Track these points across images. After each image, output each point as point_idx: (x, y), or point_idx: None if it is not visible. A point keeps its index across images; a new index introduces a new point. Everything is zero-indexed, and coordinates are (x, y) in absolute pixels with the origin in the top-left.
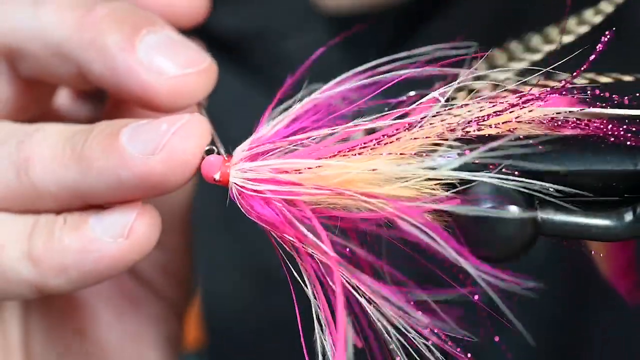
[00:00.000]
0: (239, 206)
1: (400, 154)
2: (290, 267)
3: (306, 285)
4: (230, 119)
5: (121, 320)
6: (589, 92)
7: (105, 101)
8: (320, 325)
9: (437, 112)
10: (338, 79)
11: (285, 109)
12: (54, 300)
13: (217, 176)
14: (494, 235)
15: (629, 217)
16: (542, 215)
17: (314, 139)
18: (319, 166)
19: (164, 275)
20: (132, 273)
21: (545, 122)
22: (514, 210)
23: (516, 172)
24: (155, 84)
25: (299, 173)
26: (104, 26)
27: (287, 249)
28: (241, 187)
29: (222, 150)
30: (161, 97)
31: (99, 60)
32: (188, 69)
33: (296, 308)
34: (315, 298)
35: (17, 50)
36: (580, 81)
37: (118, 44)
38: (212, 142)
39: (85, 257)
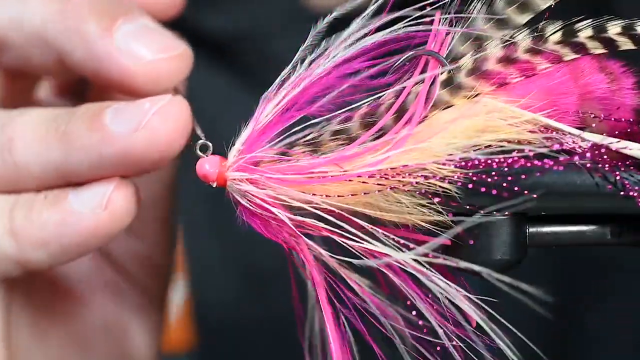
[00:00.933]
0: (237, 213)
1: (393, 188)
2: (287, 265)
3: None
4: (220, 118)
5: (103, 310)
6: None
7: (84, 96)
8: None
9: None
10: (326, 51)
11: (278, 90)
12: (36, 290)
13: (214, 185)
14: (485, 257)
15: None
16: (532, 229)
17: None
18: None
19: (143, 266)
20: (112, 263)
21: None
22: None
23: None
24: (132, 68)
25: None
26: (83, 14)
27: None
28: (239, 201)
29: (202, 137)
30: (138, 81)
31: (79, 46)
32: (162, 54)
33: (295, 307)
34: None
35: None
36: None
37: (97, 31)
38: (196, 135)
39: (64, 230)
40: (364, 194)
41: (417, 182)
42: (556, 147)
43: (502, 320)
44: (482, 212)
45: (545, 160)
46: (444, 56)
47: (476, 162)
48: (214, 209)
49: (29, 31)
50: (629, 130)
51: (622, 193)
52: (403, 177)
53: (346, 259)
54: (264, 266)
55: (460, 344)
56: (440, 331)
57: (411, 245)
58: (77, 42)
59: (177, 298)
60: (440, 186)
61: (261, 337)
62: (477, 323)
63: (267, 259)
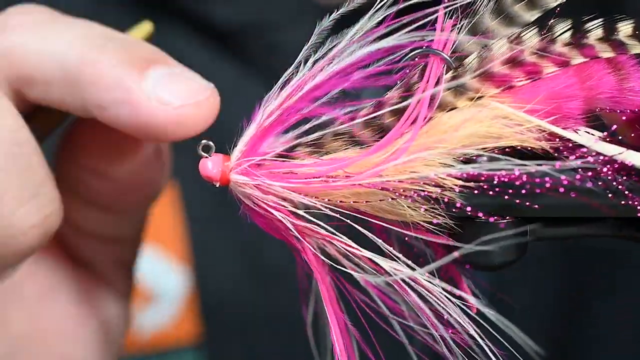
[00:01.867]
0: (241, 209)
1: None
2: (292, 256)
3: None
4: (225, 108)
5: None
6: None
7: None
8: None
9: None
10: (328, 49)
11: (281, 90)
12: None
13: (217, 184)
14: (485, 260)
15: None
16: (531, 227)
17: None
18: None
19: (115, 268)
20: (85, 265)
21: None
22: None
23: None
24: (161, 114)
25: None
26: (116, 61)
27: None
28: (242, 199)
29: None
30: (166, 128)
31: (108, 93)
32: (190, 99)
33: (302, 301)
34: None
35: (29, 78)
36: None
37: (126, 77)
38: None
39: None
40: (366, 202)
41: (417, 193)
42: (559, 164)
43: (505, 327)
44: (483, 217)
45: (546, 179)
46: (449, 54)
47: (477, 174)
48: (220, 199)
49: (64, 73)
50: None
51: (622, 202)
52: (406, 187)
53: (345, 269)
54: (270, 257)
55: (462, 344)
56: (441, 328)
57: (412, 264)
58: (106, 91)
59: (183, 290)
60: (442, 195)
61: (268, 329)
62: (480, 325)
63: (274, 250)
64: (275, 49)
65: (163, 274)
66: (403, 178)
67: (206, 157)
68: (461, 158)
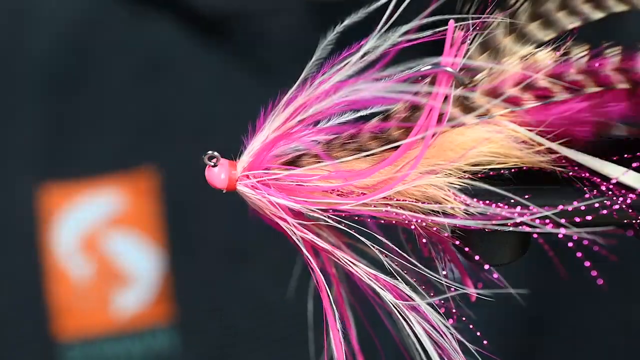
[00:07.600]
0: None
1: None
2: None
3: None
4: (213, 96)
5: None
6: None
7: None
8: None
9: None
10: (339, 61)
11: (287, 96)
12: None
13: (223, 191)
14: (492, 252)
15: None
16: None
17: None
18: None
19: None
20: None
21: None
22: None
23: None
24: None
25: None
26: None
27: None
28: (250, 199)
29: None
30: None
31: None
32: None
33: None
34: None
35: None
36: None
37: None
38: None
39: None
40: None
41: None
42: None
43: None
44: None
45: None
46: (458, 70)
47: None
48: (199, 184)
49: None
50: None
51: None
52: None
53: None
54: (245, 240)
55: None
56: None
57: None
58: None
59: (158, 272)
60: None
61: (242, 309)
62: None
63: (250, 234)
64: (258, 38)
65: (139, 256)
66: (409, 203)
67: (211, 167)
68: (467, 176)
